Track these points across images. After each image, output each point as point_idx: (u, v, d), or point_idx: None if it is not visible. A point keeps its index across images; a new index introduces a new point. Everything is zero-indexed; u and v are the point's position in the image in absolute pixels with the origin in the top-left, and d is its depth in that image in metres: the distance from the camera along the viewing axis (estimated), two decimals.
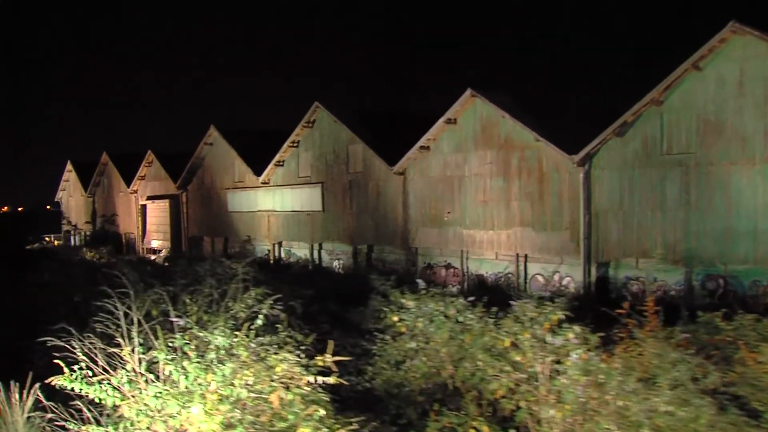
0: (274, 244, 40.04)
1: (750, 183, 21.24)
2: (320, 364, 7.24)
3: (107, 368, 7.38)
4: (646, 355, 8.83)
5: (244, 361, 7.05)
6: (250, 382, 6.90)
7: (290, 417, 6.77)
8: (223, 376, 6.83)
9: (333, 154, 35.66)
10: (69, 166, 63.68)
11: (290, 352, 7.26)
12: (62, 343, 7.54)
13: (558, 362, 8.66)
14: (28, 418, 7.65)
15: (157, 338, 7.44)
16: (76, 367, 7.18)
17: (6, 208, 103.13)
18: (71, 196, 64.61)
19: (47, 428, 7.56)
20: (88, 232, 59.99)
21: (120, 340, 7.51)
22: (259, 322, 7.69)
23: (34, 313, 14.36)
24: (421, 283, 10.39)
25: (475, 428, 8.48)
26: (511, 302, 9.15)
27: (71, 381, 7.04)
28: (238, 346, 7.35)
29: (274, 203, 39.64)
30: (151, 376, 7.23)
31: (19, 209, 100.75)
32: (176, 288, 8.91)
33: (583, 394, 8.17)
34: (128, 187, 53.44)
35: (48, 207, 79.22)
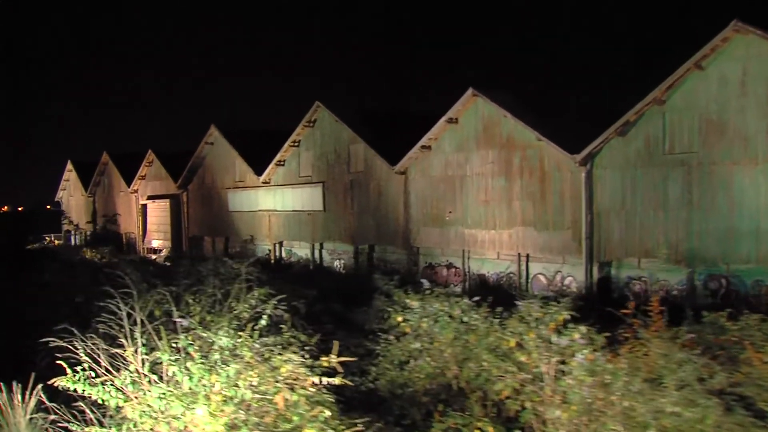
0: (275, 244, 39.99)
1: (752, 183, 21.19)
2: (325, 364, 7.18)
3: (110, 369, 7.32)
4: (651, 355, 8.78)
5: (248, 362, 7.00)
6: (255, 383, 6.84)
7: (295, 418, 6.71)
8: (228, 377, 6.77)
9: (334, 154, 35.61)
10: (69, 166, 63.66)
11: (295, 352, 7.21)
12: (64, 344, 7.48)
13: (563, 362, 8.61)
14: (31, 419, 7.59)
15: (160, 339, 7.38)
16: (78, 368, 7.12)
17: (6, 207, 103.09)
18: (71, 196, 64.58)
19: (50, 429, 7.51)
20: (88, 232, 59.93)
21: (123, 340, 7.45)
22: (263, 322, 7.63)
23: (35, 313, 14.31)
24: (425, 283, 10.33)
25: (479, 429, 8.43)
26: (516, 302, 9.09)
27: (74, 382, 6.99)
28: (242, 346, 7.30)
29: (275, 203, 39.59)
30: (155, 377, 7.18)
31: (19, 209, 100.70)
32: (179, 288, 8.84)
33: (589, 394, 8.11)
34: (129, 186, 53.39)
35: (48, 207, 79.14)
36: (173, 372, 6.94)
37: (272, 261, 37.87)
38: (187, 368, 6.92)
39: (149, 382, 7.07)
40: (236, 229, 43.25)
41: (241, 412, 6.70)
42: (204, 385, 6.78)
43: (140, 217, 52.70)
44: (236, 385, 6.81)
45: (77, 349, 7.37)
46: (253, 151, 40.69)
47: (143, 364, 7.22)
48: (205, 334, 7.26)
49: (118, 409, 7.08)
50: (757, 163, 21.04)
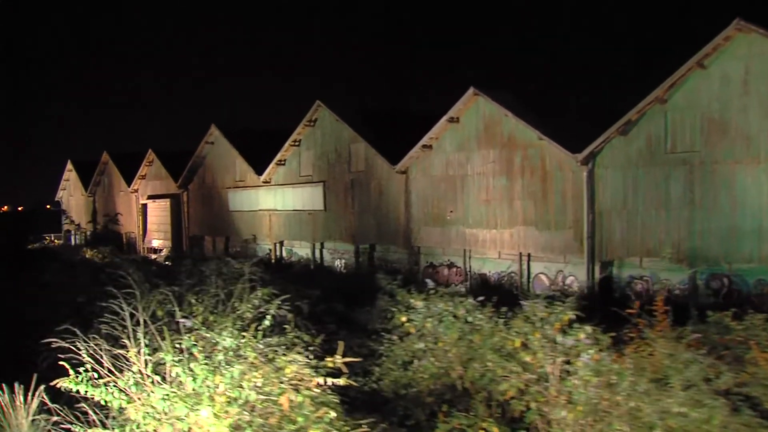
0: (275, 244, 39.93)
1: (755, 182, 21.15)
2: (330, 365, 7.13)
3: (112, 370, 7.27)
4: (657, 355, 8.73)
5: (252, 363, 6.94)
6: (259, 384, 6.79)
7: (300, 419, 6.66)
8: (232, 377, 6.71)
9: (335, 153, 35.55)
10: (69, 166, 63.57)
11: (299, 353, 7.15)
12: (66, 345, 7.42)
13: (568, 363, 8.56)
14: (33, 420, 7.53)
15: (163, 339, 7.33)
16: (81, 369, 7.06)
17: (6, 207, 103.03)
18: (71, 196, 64.51)
19: (52, 431, 7.45)
20: (88, 232, 59.87)
21: (126, 341, 7.39)
22: (267, 322, 7.58)
23: (36, 313, 14.25)
24: (429, 282, 10.28)
25: (484, 429, 8.37)
26: (521, 302, 9.04)
27: (77, 383, 6.93)
28: (246, 347, 7.24)
29: (276, 202, 39.53)
30: (158, 378, 7.12)
31: (19, 209, 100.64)
32: (182, 288, 8.78)
33: (595, 395, 8.06)
34: (129, 186, 53.32)
35: (48, 206, 79.05)
36: (177, 373, 6.88)
37: (273, 261, 37.80)
38: (190, 369, 6.86)
39: (152, 383, 7.01)
40: (237, 228, 43.19)
41: (245, 413, 6.64)
42: (208, 386, 6.72)
43: (140, 217, 52.63)
44: (240, 386, 6.75)
45: (79, 349, 7.32)
46: (254, 151, 40.62)
47: (146, 364, 7.16)
48: (208, 335, 7.20)
49: (121, 410, 7.02)
50: (760, 162, 20.99)
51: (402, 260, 31.99)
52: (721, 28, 21.35)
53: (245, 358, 7.11)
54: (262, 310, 8.05)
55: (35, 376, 7.69)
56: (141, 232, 52.73)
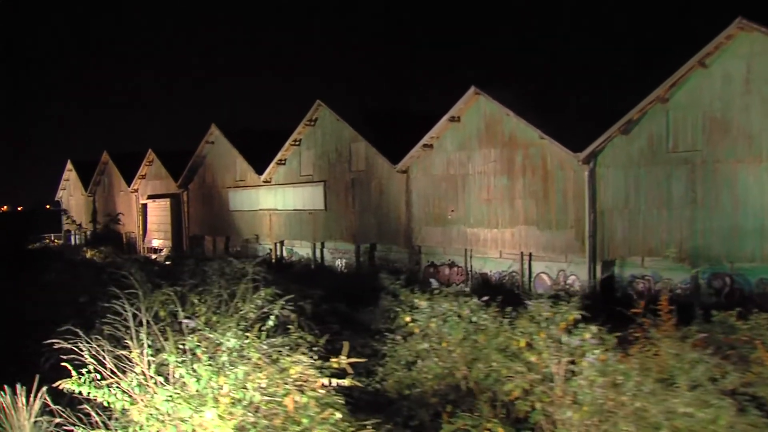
0: (276, 243, 39.88)
1: (757, 181, 21.11)
2: (335, 366, 7.07)
3: (115, 371, 7.21)
4: (662, 355, 8.68)
5: (256, 364, 6.89)
6: (264, 385, 6.73)
7: (304, 420, 6.60)
8: (236, 378, 6.65)
9: (335, 153, 35.50)
10: (69, 166, 63.48)
11: (304, 353, 7.09)
12: (69, 345, 7.37)
13: (572, 363, 8.51)
14: (35, 422, 7.48)
15: (166, 340, 7.27)
16: (84, 370, 7.01)
17: (5, 207, 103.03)
18: (71, 196, 64.43)
19: None
20: (88, 232, 59.80)
21: (128, 342, 7.34)
22: (271, 323, 7.52)
23: (38, 314, 14.19)
24: (434, 282, 10.23)
25: (489, 430, 8.33)
26: (526, 302, 8.99)
27: (79, 384, 6.88)
28: (249, 347, 7.19)
29: (276, 202, 39.48)
30: (161, 379, 7.07)
31: (19, 209, 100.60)
32: (184, 288, 8.72)
33: (601, 395, 8.01)
34: (129, 186, 53.25)
35: (48, 206, 78.97)
36: (180, 374, 6.82)
37: (273, 260, 37.75)
38: (194, 370, 6.80)
39: (155, 384, 6.96)
40: (237, 228, 43.14)
41: (249, 414, 6.59)
42: (212, 388, 6.66)
43: (140, 217, 52.56)
44: (244, 387, 6.69)
45: (82, 350, 7.27)
46: (254, 151, 40.56)
47: (149, 365, 7.11)
48: (212, 336, 7.14)
49: (124, 411, 6.97)
50: (762, 161, 20.95)
51: (403, 260, 31.94)
52: (722, 28, 21.31)
53: (249, 359, 7.05)
54: (265, 310, 7.99)
55: (37, 377, 7.63)
56: (141, 232, 52.67)
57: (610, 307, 11.24)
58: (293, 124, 37.69)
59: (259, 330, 7.52)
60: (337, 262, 35.96)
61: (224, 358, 6.92)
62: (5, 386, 7.62)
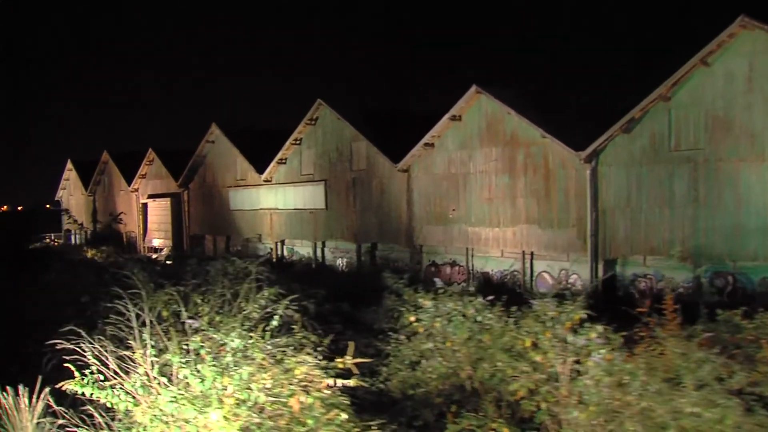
0: (276, 243, 39.83)
1: (759, 179, 21.06)
2: (340, 366, 7.02)
3: (118, 372, 7.16)
4: (668, 354, 8.62)
5: (261, 364, 6.83)
6: (268, 386, 6.67)
7: (309, 421, 6.54)
8: (241, 379, 6.60)
9: (336, 152, 35.45)
10: (69, 165, 63.43)
11: (309, 354, 7.04)
12: (71, 346, 7.31)
13: (577, 362, 8.45)
14: (38, 423, 7.42)
15: (169, 340, 7.22)
16: (87, 371, 6.95)
17: (5, 207, 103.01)
18: (72, 195, 64.39)
19: None
20: (89, 231, 59.75)
21: (132, 342, 7.28)
22: (275, 323, 7.46)
23: (40, 314, 14.13)
24: (438, 282, 10.16)
25: (494, 430, 8.27)
26: (531, 301, 8.93)
27: (82, 385, 6.82)
28: (254, 348, 7.13)
29: (277, 201, 39.43)
30: (164, 380, 7.01)
31: (19, 208, 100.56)
32: (187, 288, 8.66)
33: (607, 394, 7.95)
34: (129, 185, 53.22)
35: (48, 206, 78.90)
36: (184, 375, 6.77)
37: (274, 259, 37.69)
38: (198, 371, 6.75)
39: (159, 385, 6.90)
40: (238, 227, 43.09)
41: (254, 415, 6.53)
42: (216, 388, 6.61)
43: (141, 216, 52.52)
44: (249, 388, 6.64)
45: (84, 351, 7.21)
46: (255, 150, 40.52)
47: (152, 366, 7.05)
48: (217, 336, 7.08)
49: (127, 412, 6.91)
50: (764, 160, 20.90)
51: (404, 259, 31.90)
52: (722, 27, 21.26)
53: (253, 359, 7.00)
54: (269, 310, 7.94)
55: (40, 378, 7.58)
56: (141, 232, 52.63)
57: (613, 306, 11.18)
58: (293, 123, 37.68)
59: (263, 330, 7.47)
60: (338, 262, 35.92)
61: (228, 358, 6.86)
62: (8, 387, 7.56)
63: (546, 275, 26.76)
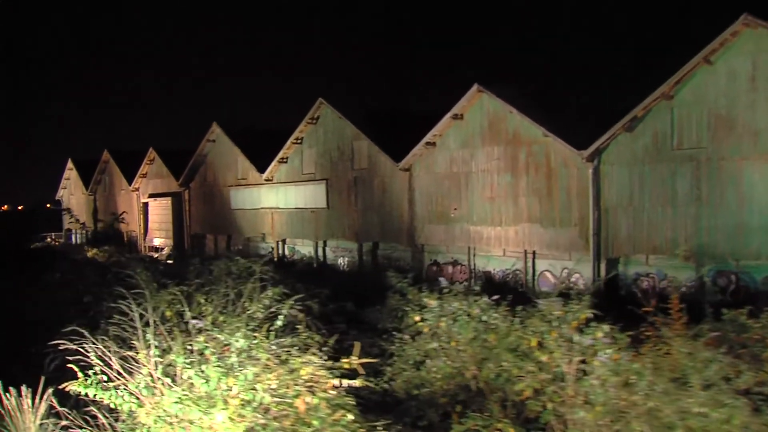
0: (277, 242, 39.78)
1: (762, 178, 21.01)
2: (346, 366, 6.96)
3: (122, 372, 7.10)
4: (675, 354, 8.57)
5: (266, 365, 6.77)
6: (274, 386, 6.62)
7: (315, 422, 6.49)
8: (246, 380, 6.54)
9: (337, 151, 35.39)
10: (70, 164, 63.36)
11: (314, 354, 6.98)
12: (74, 346, 7.26)
13: (583, 362, 8.40)
14: (41, 424, 7.37)
15: (173, 340, 7.16)
16: (90, 372, 6.90)
17: (6, 206, 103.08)
18: (72, 195, 64.34)
19: None
20: (89, 231, 59.69)
21: (135, 342, 7.23)
22: (280, 323, 7.41)
23: (41, 314, 14.08)
24: (443, 281, 10.11)
25: (500, 430, 8.22)
26: (537, 300, 8.88)
27: (86, 386, 6.77)
28: (258, 348, 7.08)
29: (278, 200, 39.38)
30: (168, 381, 6.96)
31: (19, 208, 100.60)
32: (191, 288, 8.61)
33: (614, 394, 7.90)
34: (130, 184, 53.16)
35: (48, 205, 78.86)
36: (189, 375, 6.71)
37: (276, 259, 37.65)
38: (202, 371, 6.69)
39: (163, 385, 6.85)
40: (239, 226, 43.04)
41: (260, 416, 6.47)
42: (221, 389, 6.55)
43: (141, 216, 52.46)
44: (254, 389, 6.58)
45: (87, 351, 7.16)
46: (255, 149, 40.47)
47: (156, 367, 7.00)
48: (222, 336, 7.03)
49: (131, 413, 6.86)
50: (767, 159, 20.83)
51: (405, 258, 31.86)
52: (724, 26, 21.21)
53: (257, 360, 6.94)
54: (273, 310, 7.89)
55: (43, 378, 7.52)
56: (142, 231, 52.58)
57: (617, 305, 11.12)
58: (294, 123, 37.64)
59: (268, 330, 7.41)
60: (340, 261, 35.87)
61: (233, 358, 6.81)
62: (10, 388, 7.51)
63: (548, 274, 26.70)
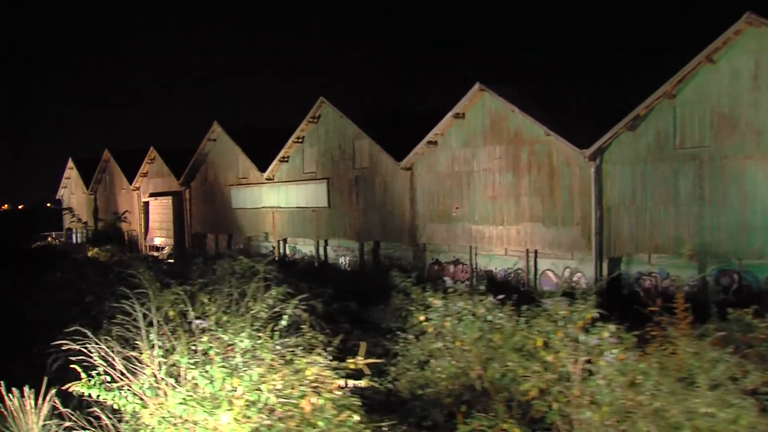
0: (279, 241, 39.73)
1: (765, 177, 20.93)
2: (352, 366, 6.90)
3: (125, 373, 7.05)
4: (681, 354, 8.52)
5: (271, 365, 6.72)
6: (279, 387, 6.56)
7: (320, 423, 6.43)
8: (251, 380, 6.49)
9: (339, 150, 35.33)
10: (70, 164, 63.30)
11: (320, 354, 6.93)
12: (77, 347, 7.20)
13: (589, 362, 8.35)
14: (44, 425, 7.32)
15: (177, 340, 7.11)
16: (93, 372, 6.85)
17: (6, 206, 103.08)
18: (73, 194, 64.28)
19: None
20: (90, 230, 59.62)
21: (138, 342, 7.18)
22: (284, 323, 7.36)
23: (42, 314, 14.02)
24: (448, 281, 10.06)
25: (505, 430, 8.16)
26: (542, 300, 8.82)
27: (89, 387, 6.71)
28: (263, 348, 7.02)
29: (279, 199, 39.32)
30: (172, 381, 6.90)
31: (20, 207, 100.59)
32: (194, 288, 8.56)
33: (620, 394, 7.85)
34: (130, 184, 53.11)
35: (48, 205, 78.83)
36: (193, 376, 6.66)
37: (277, 258, 37.60)
38: (206, 372, 6.64)
39: (167, 386, 6.80)
40: (239, 226, 42.99)
41: (265, 417, 6.42)
42: (226, 390, 6.49)
43: (142, 215, 52.41)
44: (258, 389, 6.53)
45: (90, 352, 7.11)
46: (256, 148, 40.41)
47: (160, 367, 6.94)
48: (226, 337, 6.98)
49: (135, 414, 6.81)
50: None
51: (407, 257, 31.80)
52: (725, 25, 21.14)
53: (262, 360, 6.89)
54: (277, 309, 7.83)
55: (46, 379, 7.47)
56: (143, 230, 52.53)
57: (619, 304, 11.07)
58: (294, 122, 37.57)
59: (272, 330, 7.36)
60: (341, 260, 35.82)
61: (238, 359, 6.75)
62: (13, 389, 7.46)
63: (550, 273, 26.65)
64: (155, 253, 45.51)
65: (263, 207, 40.55)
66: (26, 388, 7.47)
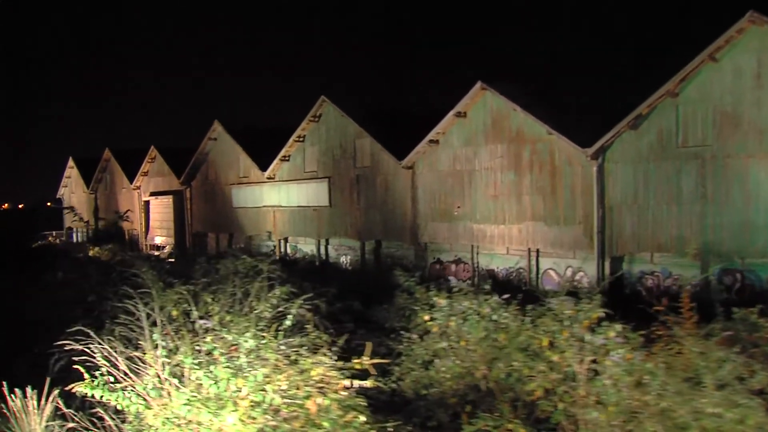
0: (279, 240, 39.68)
1: None
2: (357, 367, 6.85)
3: (128, 373, 7.00)
4: (687, 354, 8.47)
5: (276, 365, 6.66)
6: (284, 387, 6.51)
7: (326, 424, 6.38)
8: (255, 381, 6.43)
9: (340, 149, 35.27)
10: (71, 163, 63.26)
11: (324, 354, 6.87)
12: (80, 347, 7.15)
13: (594, 362, 8.30)
14: (47, 426, 7.27)
15: (180, 340, 7.06)
16: (96, 373, 6.79)
17: (6, 205, 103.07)
18: (73, 193, 64.25)
19: None
20: (91, 229, 59.59)
21: (142, 342, 7.13)
22: (289, 322, 7.30)
23: (45, 314, 13.97)
24: (452, 280, 10.01)
25: (510, 431, 8.12)
26: (548, 299, 8.77)
27: (92, 387, 6.66)
28: (267, 348, 6.97)
29: (280, 198, 39.27)
30: (176, 382, 6.85)
31: (20, 207, 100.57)
32: (197, 287, 8.51)
33: (626, 394, 7.80)
34: (131, 183, 53.06)
35: (49, 204, 78.81)
36: (197, 376, 6.60)
37: (278, 257, 37.56)
38: (211, 372, 6.58)
39: (171, 386, 6.74)
40: (240, 225, 42.94)
41: (270, 418, 6.37)
42: (231, 390, 6.44)
43: (143, 214, 52.37)
44: (263, 390, 6.47)
45: (93, 352, 7.05)
46: (257, 147, 40.35)
47: (164, 368, 6.89)
48: (230, 337, 6.92)
49: (138, 415, 6.75)
50: None
51: (408, 256, 31.75)
52: (726, 25, 21.08)
53: (266, 360, 6.84)
54: (281, 309, 7.78)
55: (48, 379, 7.42)
56: (143, 229, 52.49)
57: (621, 303, 11.02)
58: (295, 122, 37.51)
59: (276, 330, 7.31)
60: (342, 259, 35.77)
61: (242, 359, 6.70)
62: (16, 389, 7.41)
63: (552, 273, 26.60)
64: (156, 252, 45.46)
65: (264, 206, 40.50)
66: (29, 389, 7.42)
